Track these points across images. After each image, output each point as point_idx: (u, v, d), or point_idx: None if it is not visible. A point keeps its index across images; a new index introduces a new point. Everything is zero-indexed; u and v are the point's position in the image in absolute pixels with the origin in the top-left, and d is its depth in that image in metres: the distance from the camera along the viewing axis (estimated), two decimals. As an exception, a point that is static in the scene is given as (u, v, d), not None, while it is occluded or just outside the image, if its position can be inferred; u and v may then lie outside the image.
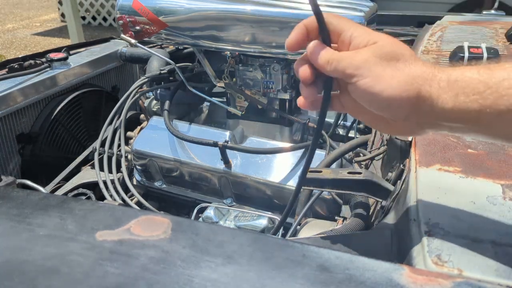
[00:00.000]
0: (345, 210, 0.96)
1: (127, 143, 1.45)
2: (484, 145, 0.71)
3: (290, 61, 1.27)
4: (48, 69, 1.52)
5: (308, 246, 0.49)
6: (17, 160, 1.45)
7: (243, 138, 1.35)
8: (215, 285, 0.43)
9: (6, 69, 1.45)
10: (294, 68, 0.54)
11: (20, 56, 1.53)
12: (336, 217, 0.99)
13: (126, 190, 1.27)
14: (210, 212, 1.15)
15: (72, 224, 0.54)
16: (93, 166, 1.34)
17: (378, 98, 0.47)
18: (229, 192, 1.28)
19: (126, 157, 1.38)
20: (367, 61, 0.47)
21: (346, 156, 1.10)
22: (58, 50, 1.61)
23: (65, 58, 1.57)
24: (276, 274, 0.44)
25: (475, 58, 1.03)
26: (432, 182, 0.61)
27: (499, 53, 1.06)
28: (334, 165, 1.07)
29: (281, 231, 0.98)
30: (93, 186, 1.33)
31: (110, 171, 1.30)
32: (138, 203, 1.26)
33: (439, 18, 1.67)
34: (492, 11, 1.88)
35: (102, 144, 1.37)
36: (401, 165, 0.76)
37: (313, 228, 0.93)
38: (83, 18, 6.38)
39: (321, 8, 0.49)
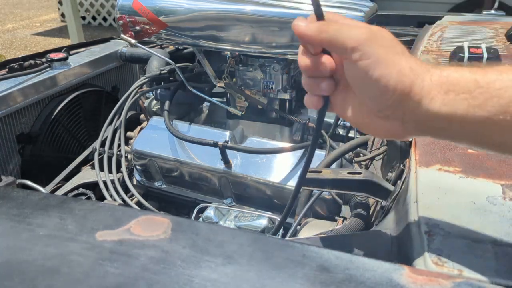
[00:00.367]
0: (345, 210, 0.96)
1: (127, 143, 1.45)
2: (484, 145, 0.71)
3: (290, 61, 1.28)
4: (48, 69, 1.52)
5: (308, 246, 0.49)
6: (17, 160, 1.44)
7: (243, 138, 1.35)
8: (215, 285, 0.43)
9: (6, 69, 1.45)
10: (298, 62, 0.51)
11: (20, 56, 1.53)
12: (336, 217, 0.99)
13: (126, 190, 1.27)
14: (210, 212, 1.15)
15: (72, 224, 0.54)
16: (93, 166, 1.34)
17: (375, 84, 0.44)
18: (229, 192, 1.28)
19: (126, 157, 1.38)
20: (368, 38, 0.44)
21: (346, 156, 1.10)
22: (58, 50, 1.61)
23: (65, 58, 1.57)
24: (276, 274, 0.44)
25: (475, 58, 1.02)
26: (432, 182, 0.61)
27: (499, 53, 1.06)
28: (334, 165, 1.07)
29: (281, 231, 0.98)
30: (93, 186, 1.33)
31: (110, 171, 1.30)
32: (138, 203, 1.26)
33: (439, 18, 1.66)
34: (492, 11, 1.88)
35: (102, 144, 1.37)
36: (401, 165, 0.76)
37: (313, 228, 0.93)
38: (83, 18, 6.38)
39: (321, 8, 0.49)
